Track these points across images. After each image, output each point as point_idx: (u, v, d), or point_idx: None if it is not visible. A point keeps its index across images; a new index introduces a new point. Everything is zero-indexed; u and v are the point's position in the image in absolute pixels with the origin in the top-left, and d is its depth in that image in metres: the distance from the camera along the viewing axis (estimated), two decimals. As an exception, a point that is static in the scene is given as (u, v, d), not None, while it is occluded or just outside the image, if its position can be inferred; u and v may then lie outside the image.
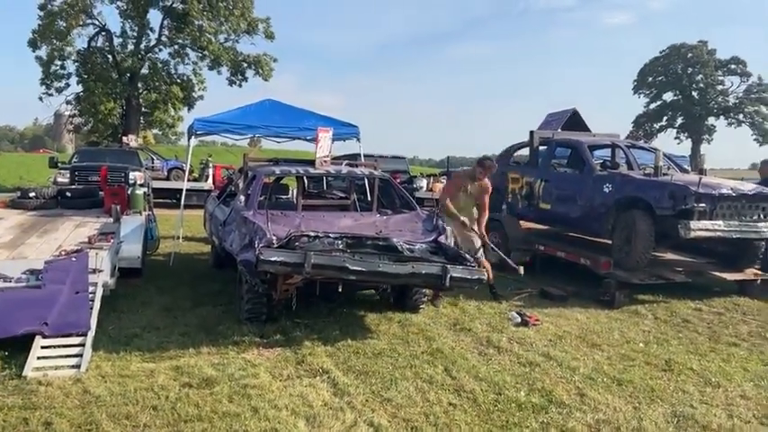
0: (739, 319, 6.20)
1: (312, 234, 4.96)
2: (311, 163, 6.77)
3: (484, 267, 6.37)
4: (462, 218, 6.42)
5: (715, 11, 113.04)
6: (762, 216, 6.67)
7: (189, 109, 30.29)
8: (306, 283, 5.10)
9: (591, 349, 5.05)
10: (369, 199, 7.18)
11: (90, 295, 4.87)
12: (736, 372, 4.61)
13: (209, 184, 16.45)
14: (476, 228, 6.47)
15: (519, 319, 5.74)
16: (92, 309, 4.68)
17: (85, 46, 28.16)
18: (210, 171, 17.63)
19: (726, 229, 6.41)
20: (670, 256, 7.68)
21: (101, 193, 8.74)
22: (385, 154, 17.06)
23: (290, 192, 8.93)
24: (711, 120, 55.05)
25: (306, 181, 8.21)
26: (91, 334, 4.39)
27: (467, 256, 5.41)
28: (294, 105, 10.02)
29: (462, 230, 6.44)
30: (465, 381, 4.20)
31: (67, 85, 28.33)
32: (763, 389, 4.29)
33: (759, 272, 7.22)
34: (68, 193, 8.90)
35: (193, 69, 29.58)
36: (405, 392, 3.96)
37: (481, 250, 6.49)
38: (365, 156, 10.50)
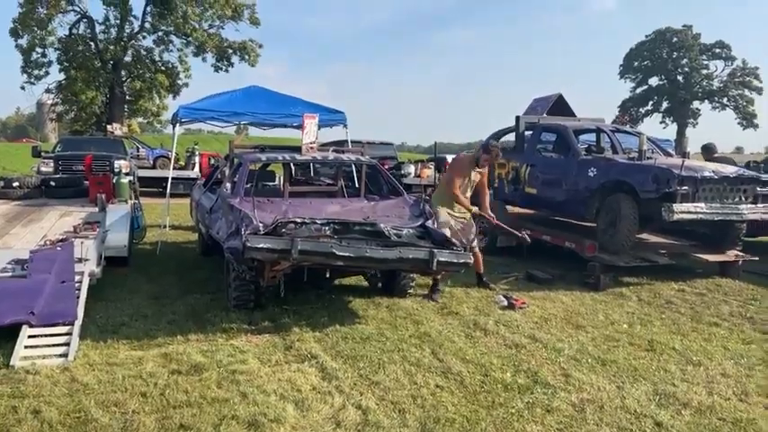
0: (721, 300, 6.31)
1: (299, 220, 4.95)
2: (297, 149, 6.76)
3: (477, 257, 6.42)
4: (474, 208, 6.36)
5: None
6: (743, 198, 6.77)
7: (174, 96, 30.12)
8: (293, 270, 5.11)
9: (576, 331, 5.13)
10: (356, 185, 7.18)
11: (76, 284, 4.86)
12: (716, 350, 4.71)
13: (195, 173, 16.36)
14: (487, 213, 6.43)
15: (505, 303, 5.80)
16: (78, 298, 4.68)
17: (67, 33, 27.75)
18: (197, 159, 17.52)
19: (708, 211, 6.48)
20: (654, 238, 7.77)
21: (85, 182, 8.66)
22: (373, 140, 17.06)
23: (277, 179, 8.91)
24: (696, 104, 55.62)
25: (293, 168, 8.20)
26: (78, 323, 4.39)
27: (453, 240, 5.44)
28: (280, 92, 9.97)
29: (459, 220, 6.38)
30: (452, 363, 4.25)
31: (47, 73, 27.99)
32: (743, 367, 4.38)
33: (740, 253, 7.34)
34: (53, 183, 8.81)
35: (179, 56, 29.31)
36: (393, 376, 4.01)
37: (476, 241, 6.49)
38: (353, 142, 10.50)
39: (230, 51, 28.88)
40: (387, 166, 12.07)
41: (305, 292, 5.73)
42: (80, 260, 5.21)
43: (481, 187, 6.54)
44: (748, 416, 3.57)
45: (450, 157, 17.08)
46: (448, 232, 6.16)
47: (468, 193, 6.43)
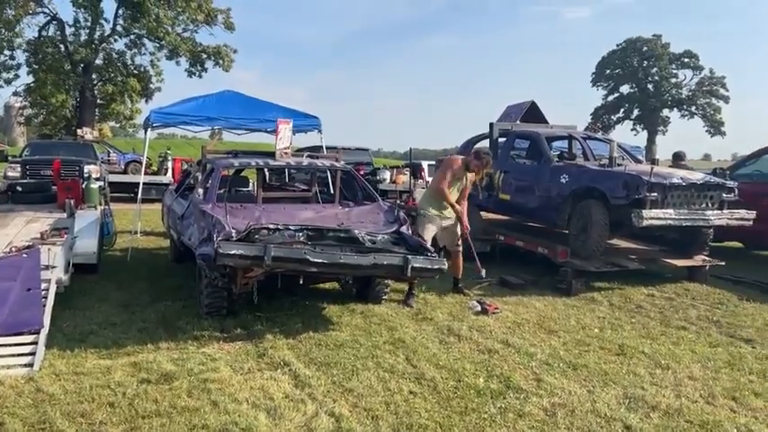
0: (689, 304, 6.44)
1: (272, 226, 4.92)
2: (271, 155, 6.72)
3: (458, 261, 6.46)
4: (459, 208, 6.38)
5: (668, 5, 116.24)
6: (710, 204, 6.92)
7: (147, 101, 29.72)
8: (267, 277, 5.07)
9: (548, 336, 5.18)
10: (331, 191, 7.16)
11: (43, 292, 4.75)
12: (684, 354, 4.80)
13: (168, 178, 16.15)
14: (466, 221, 6.44)
15: (479, 308, 5.84)
16: (45, 306, 4.56)
17: (36, 35, 27.22)
18: (170, 164, 17.29)
19: (676, 217, 6.61)
20: (624, 244, 7.90)
21: (54, 187, 8.48)
22: (348, 146, 17.08)
23: (251, 184, 8.84)
24: (666, 112, 56.83)
25: (267, 173, 8.15)
26: (44, 332, 4.28)
27: (428, 246, 5.46)
28: (254, 97, 9.91)
29: (446, 222, 6.40)
30: (426, 369, 4.26)
31: (17, 76, 27.44)
32: (710, 370, 4.47)
33: (708, 258, 7.50)
34: (19, 188, 8.60)
35: (151, 60, 28.96)
36: (366, 382, 3.99)
37: (460, 241, 6.52)
38: (328, 148, 10.48)
39: (204, 56, 28.63)
40: (362, 172, 12.12)
41: (278, 298, 5.69)
42: (47, 267, 5.08)
43: (464, 195, 6.56)
44: (715, 418, 3.64)
45: (425, 164, 17.32)
46: (430, 233, 6.21)
47: (457, 196, 6.46)
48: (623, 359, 4.64)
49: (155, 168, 17.57)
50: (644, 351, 4.81)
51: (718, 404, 3.86)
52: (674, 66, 55.57)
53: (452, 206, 6.37)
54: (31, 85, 27.55)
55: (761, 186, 8.53)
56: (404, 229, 5.58)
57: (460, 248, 6.53)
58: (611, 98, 57.80)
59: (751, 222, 7.09)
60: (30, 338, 4.21)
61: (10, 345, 4.14)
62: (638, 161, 8.70)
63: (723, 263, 7.53)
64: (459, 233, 6.50)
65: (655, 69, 55.22)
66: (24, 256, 5.26)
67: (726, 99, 54.38)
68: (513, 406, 3.71)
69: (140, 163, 14.93)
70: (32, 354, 4.07)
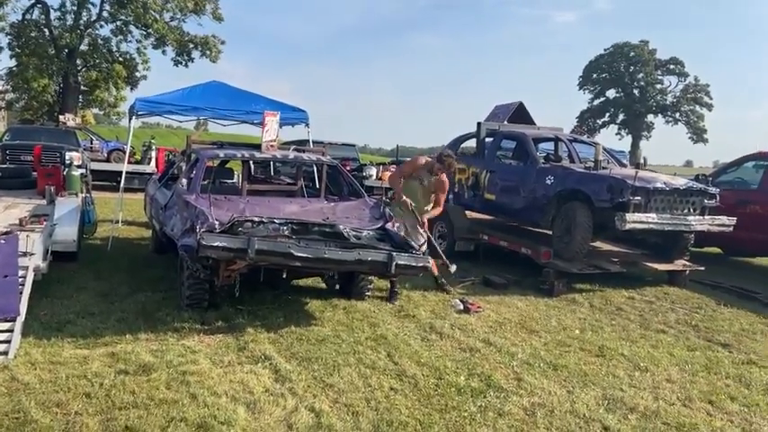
0: (668, 308, 6.51)
1: (256, 219, 4.88)
2: (257, 147, 6.66)
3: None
4: (405, 198, 6.37)
5: (655, 13, 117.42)
6: (691, 210, 7.00)
7: (132, 88, 29.36)
8: (250, 270, 5.03)
9: (529, 335, 5.21)
10: (316, 185, 7.12)
11: (20, 279, 4.66)
12: (663, 357, 4.85)
13: (151, 167, 15.95)
14: (417, 213, 6.38)
15: (461, 306, 5.85)
16: (21, 293, 4.48)
17: (19, 18, 26.73)
18: (153, 153, 17.07)
19: (658, 221, 6.67)
20: (607, 246, 7.97)
21: (34, 173, 8.34)
22: (335, 141, 17.02)
23: (236, 176, 8.76)
24: (650, 117, 57.37)
25: (252, 165, 8.08)
26: (20, 320, 4.20)
27: (413, 243, 5.45)
28: (242, 88, 9.83)
29: (410, 220, 6.41)
30: (407, 366, 4.26)
31: (-2, 59, 26.86)
32: (688, 373, 4.53)
33: (688, 263, 7.59)
34: (-2, 173, 8.46)
35: (137, 48, 28.59)
36: (347, 378, 3.98)
37: (425, 245, 6.52)
38: (314, 142, 10.44)
39: (191, 46, 28.32)
40: (348, 168, 12.05)
41: (261, 292, 5.65)
42: (25, 254, 5.00)
43: (436, 201, 6.62)
44: (691, 420, 3.69)
45: (412, 161, 17.27)
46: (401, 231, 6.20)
47: (424, 200, 6.53)
48: (603, 360, 4.67)
49: (138, 157, 17.35)
50: (623, 353, 4.86)
51: (694, 407, 3.91)
52: (659, 72, 56.14)
53: (397, 195, 6.47)
54: (13, 69, 27.05)
55: (741, 194, 8.66)
56: (389, 225, 5.55)
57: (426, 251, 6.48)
58: (596, 102, 58.24)
59: (731, 229, 7.19)
60: (5, 326, 4.13)
61: (-16, 332, 4.06)
62: (623, 165, 8.77)
63: (703, 268, 7.62)
64: (421, 229, 6.47)
65: (641, 75, 55.74)
66: (2, 242, 5.16)
67: (709, 107, 55.12)
68: (494, 405, 3.72)
69: (124, 151, 14.72)
70: (7, 342, 4.00)
